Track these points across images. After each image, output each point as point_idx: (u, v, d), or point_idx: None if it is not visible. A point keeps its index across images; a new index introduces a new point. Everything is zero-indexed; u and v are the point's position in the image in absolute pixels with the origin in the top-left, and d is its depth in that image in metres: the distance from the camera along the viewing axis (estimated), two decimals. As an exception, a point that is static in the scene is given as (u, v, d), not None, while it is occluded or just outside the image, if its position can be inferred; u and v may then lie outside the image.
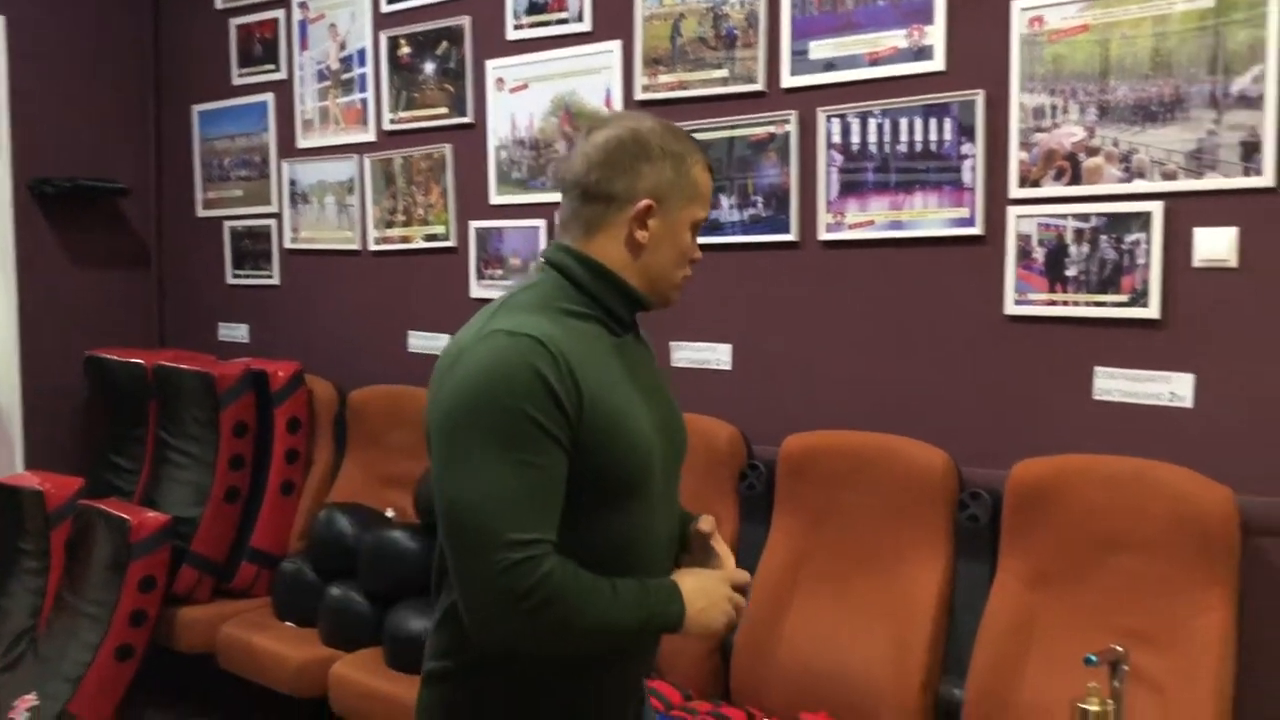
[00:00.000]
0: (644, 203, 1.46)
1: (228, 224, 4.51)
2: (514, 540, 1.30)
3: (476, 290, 3.67)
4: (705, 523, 1.61)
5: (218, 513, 3.76)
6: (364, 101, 3.95)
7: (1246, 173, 2.27)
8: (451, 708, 1.51)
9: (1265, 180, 2.25)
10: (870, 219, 2.79)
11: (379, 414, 3.81)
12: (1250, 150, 2.26)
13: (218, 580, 3.76)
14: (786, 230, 2.94)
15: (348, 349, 4.08)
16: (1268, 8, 2.24)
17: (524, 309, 1.42)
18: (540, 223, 3.47)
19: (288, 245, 4.30)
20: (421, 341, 3.86)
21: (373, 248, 3.98)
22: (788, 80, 2.90)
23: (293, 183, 4.25)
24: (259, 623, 3.53)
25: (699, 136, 2.99)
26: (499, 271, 3.60)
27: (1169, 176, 2.36)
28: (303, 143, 4.19)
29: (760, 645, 2.73)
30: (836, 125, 2.83)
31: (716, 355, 3.11)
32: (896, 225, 2.75)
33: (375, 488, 3.76)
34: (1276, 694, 2.26)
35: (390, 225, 3.92)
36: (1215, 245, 2.32)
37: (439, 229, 3.76)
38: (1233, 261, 2.30)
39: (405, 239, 3.87)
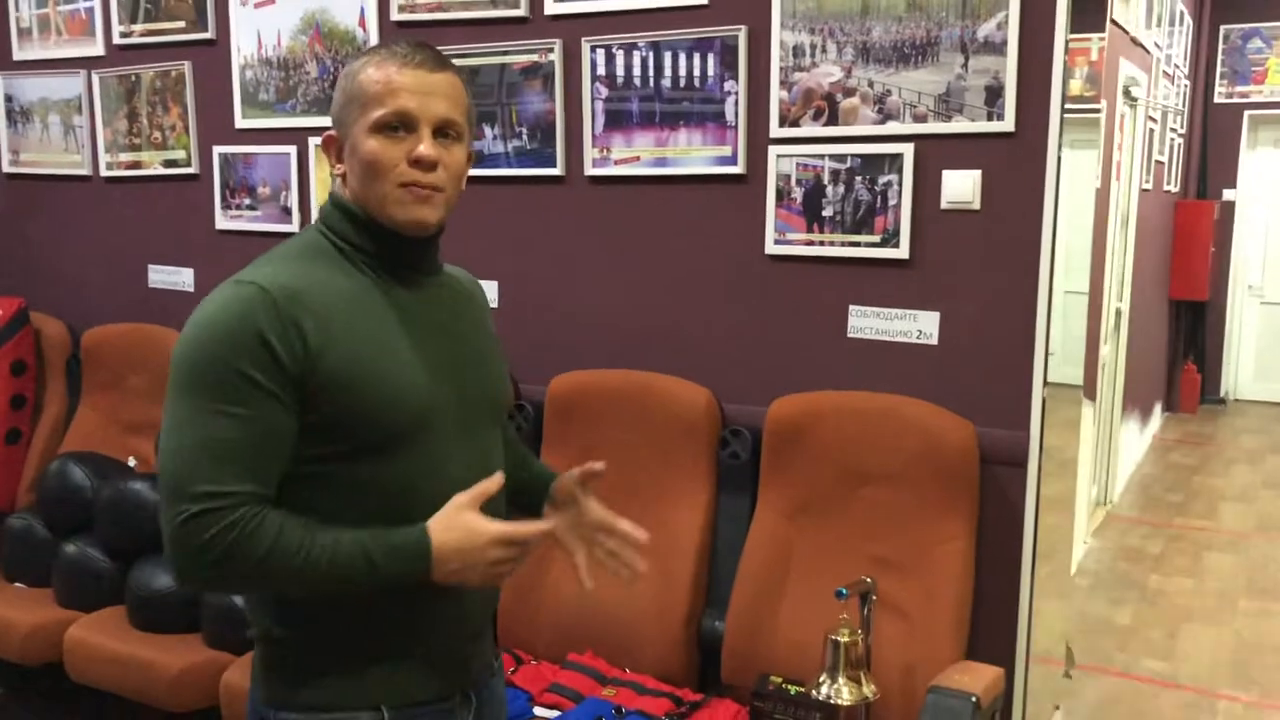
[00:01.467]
0: (328, 135, 1.45)
1: (-66, 143, 4.04)
2: (197, 493, 1.26)
3: (222, 221, 3.42)
4: (571, 476, 1.59)
5: (-69, 466, 3.41)
6: (90, 10, 3.58)
7: (990, 117, 2.34)
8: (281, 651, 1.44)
9: (1006, 125, 2.33)
10: (636, 154, 2.75)
11: (117, 355, 3.53)
12: (994, 95, 2.33)
13: (-68, 540, 3.41)
14: (553, 164, 2.85)
15: (80, 285, 3.74)
16: (1012, -44, 2.30)
17: (276, 257, 1.39)
18: (290, 149, 3.25)
19: (6, 169, 3.88)
20: (163, 276, 3.58)
21: (105, 173, 3.64)
22: (551, 7, 2.80)
23: (9, 99, 3.82)
24: (-18, 586, 3.23)
25: (461, 64, 2.88)
26: (247, 201, 3.36)
27: (920, 119, 2.41)
28: (20, 54, 3.77)
29: (525, 588, 2.70)
30: (601, 56, 2.75)
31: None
32: (662, 162, 2.71)
33: (115, 435, 3.49)
34: (1004, 606, 2.40)
35: (125, 149, 3.59)
36: (960, 187, 2.39)
37: (179, 154, 3.47)
38: (975, 203, 2.39)
39: (141, 164, 3.56)
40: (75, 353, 3.62)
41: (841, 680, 2.13)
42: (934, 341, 2.46)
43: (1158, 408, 7.69)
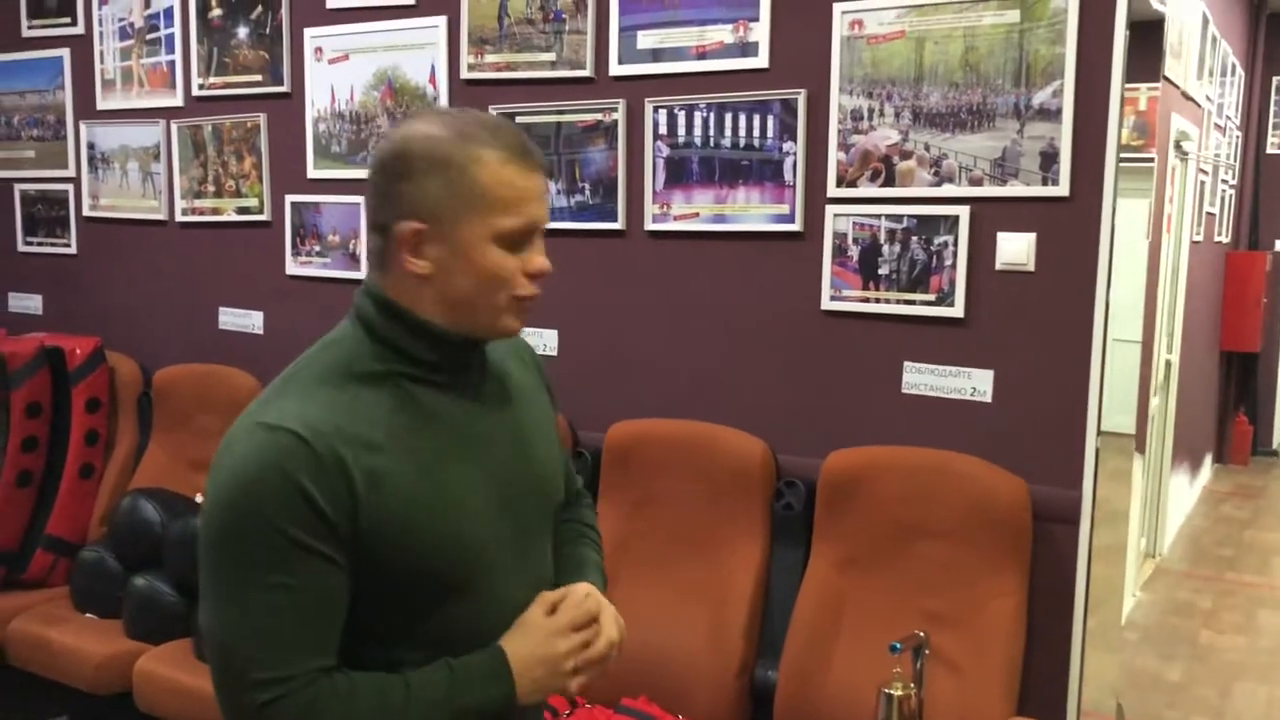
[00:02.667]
0: (407, 227, 1.21)
1: (18, 187, 4.21)
2: (260, 680, 1.13)
3: (292, 267, 3.54)
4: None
5: (9, 498, 3.53)
6: (171, 64, 3.73)
7: (1044, 182, 2.40)
8: None
9: (1060, 190, 2.39)
10: (695, 211, 2.83)
11: (187, 394, 3.65)
12: (1049, 160, 2.39)
13: (9, 570, 3.54)
14: (614, 219, 2.94)
15: (153, 325, 3.88)
16: (1066, 25, 2.37)
17: (299, 385, 1.22)
18: (360, 199, 3.37)
19: (86, 213, 4.04)
20: (233, 319, 3.70)
21: (180, 218, 3.79)
22: (616, 68, 2.90)
23: (91, 146, 3.98)
24: (56, 615, 3.33)
25: (525, 120, 2.99)
26: (316, 247, 3.48)
27: (975, 182, 2.48)
28: (103, 104, 3.93)
29: (582, 632, 2.76)
30: (664, 116, 2.84)
31: (543, 340, 3.10)
32: (720, 219, 2.79)
33: (183, 472, 3.60)
34: (1055, 662, 2.43)
35: (199, 195, 3.73)
36: (1015, 249, 2.45)
37: (252, 202, 3.60)
38: (1030, 265, 2.44)
39: (215, 210, 3.70)
40: (147, 391, 3.75)
41: (895, 734, 2.17)
42: (988, 399, 2.51)
43: (1208, 459, 7.63)
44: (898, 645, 2.16)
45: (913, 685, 2.20)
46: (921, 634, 2.26)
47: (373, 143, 3.33)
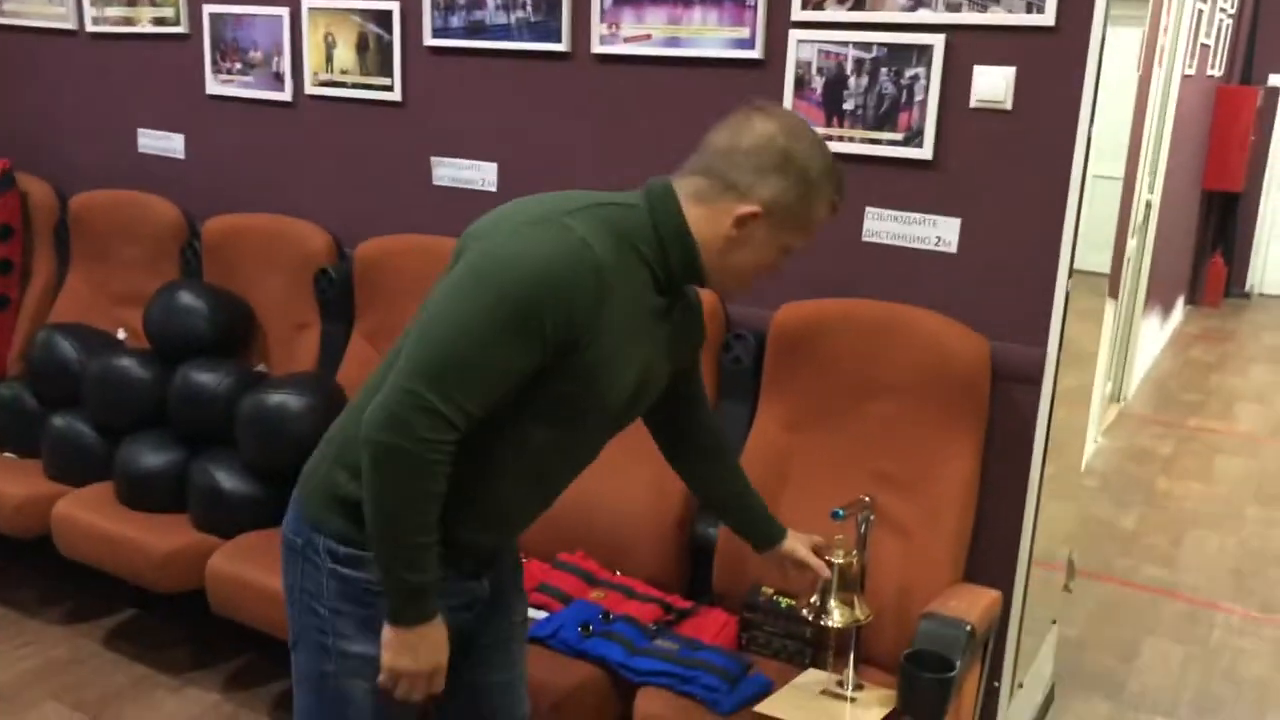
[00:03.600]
0: (752, 208, 1.47)
1: (-86, -11, 3.84)
2: (451, 395, 1.34)
3: (213, 86, 3.26)
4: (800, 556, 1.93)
5: (-82, 330, 3.34)
6: None
7: (1029, 8, 2.16)
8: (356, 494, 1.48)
9: (1046, 19, 2.14)
10: (647, 32, 2.56)
11: (107, 223, 3.41)
12: (1035, -15, 2.14)
13: (-78, 405, 3.36)
14: (558, 39, 2.67)
15: (67, 146, 3.61)
16: None
17: (607, 227, 1.42)
18: (283, 10, 3.07)
19: (-12, 20, 3.71)
20: (153, 141, 3.43)
21: (91, 28, 3.46)
22: None
23: (-9, -56, 3.62)
24: (-29, 454, 3.19)
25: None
26: (238, 65, 3.19)
27: (953, 8, 2.23)
28: (0, -104, 3.55)
29: (518, 484, 2.64)
30: (613, -77, 2.54)
31: (481, 174, 2.87)
32: (674, 42, 2.53)
33: (106, 306, 3.41)
34: (1007, 528, 2.33)
35: (109, 3, 3.39)
36: (992, 85, 2.22)
37: (168, 11, 3.29)
38: (1007, 103, 2.22)
39: (128, 20, 3.37)
40: (63, 218, 3.51)
41: (834, 602, 2.06)
42: (953, 250, 2.33)
43: (1180, 301, 7.54)
44: (840, 512, 2.04)
45: (855, 552, 2.08)
46: (867, 499, 2.13)
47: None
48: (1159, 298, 6.45)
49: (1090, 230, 3.07)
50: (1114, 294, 4.94)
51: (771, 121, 1.49)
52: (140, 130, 3.45)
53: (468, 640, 1.62)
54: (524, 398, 1.42)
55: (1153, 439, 5.22)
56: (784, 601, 2.29)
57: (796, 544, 1.94)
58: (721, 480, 1.91)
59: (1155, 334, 6.60)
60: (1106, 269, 3.55)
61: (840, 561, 2.07)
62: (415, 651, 1.47)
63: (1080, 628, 3.37)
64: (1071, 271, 2.23)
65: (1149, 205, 5.47)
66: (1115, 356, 5.58)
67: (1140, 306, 5.71)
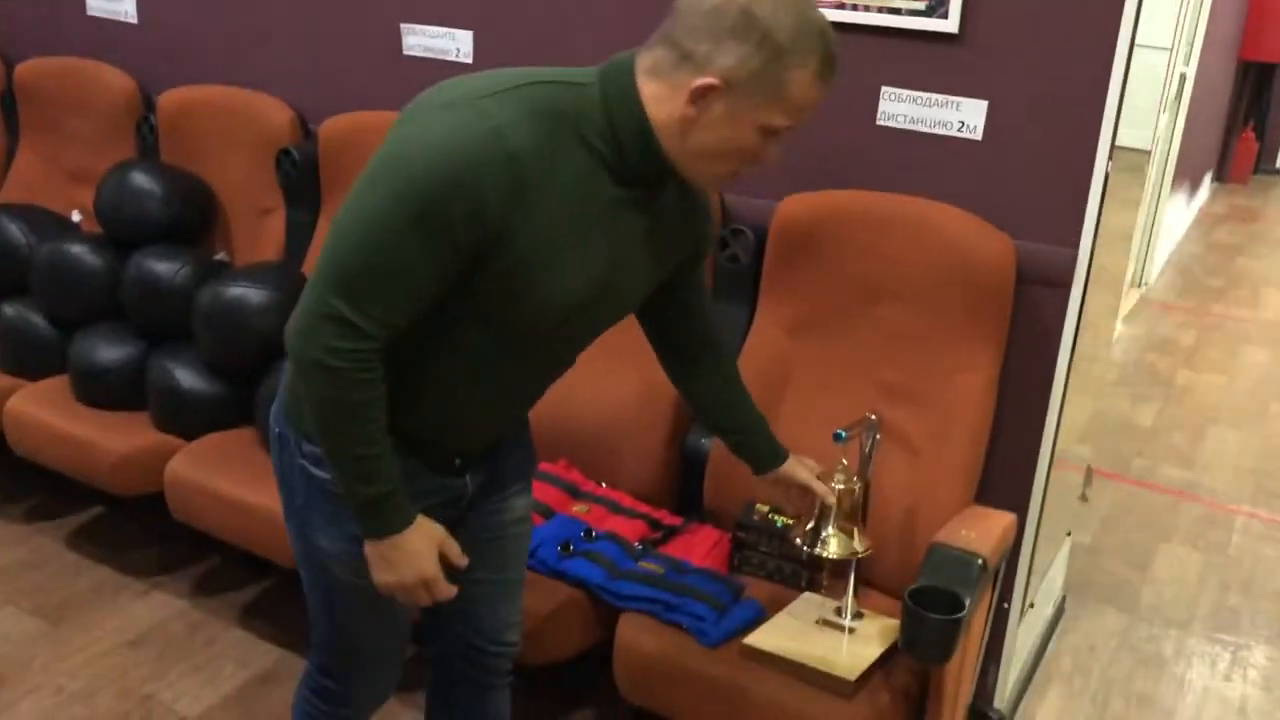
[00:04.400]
0: (707, 80, 1.25)
1: None
2: (359, 306, 1.23)
3: (165, -59, 2.95)
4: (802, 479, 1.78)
5: None
6: None
7: None
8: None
9: None
10: (637, -118, 2.25)
11: (55, 93, 3.15)
12: None
13: None
14: (537, -111, 2.37)
15: (9, 7, 3.30)
16: None
17: (536, 109, 1.25)
18: None
19: None
20: (102, 4, 3.14)
21: (30, -127, 3.14)
22: None
23: None
24: (-79, 344, 2.99)
25: None
26: (190, -82, 2.88)
27: None
28: None
29: (496, 387, 2.45)
30: None
31: (456, 43, 2.59)
32: (668, -108, 2.23)
33: (59, 183, 3.17)
34: (1025, 445, 2.14)
35: None
36: (1031, -54, 1.93)
37: None
38: (1048, -33, 1.93)
39: None
40: (10, 86, 3.24)
41: (830, 530, 1.88)
42: (978, 136, 2.07)
43: (1207, 177, 7.22)
44: (843, 434, 1.84)
45: (856, 479, 1.89)
46: (873, 417, 1.93)
47: None
48: (1186, 175, 6.14)
49: (1131, 104, 2.80)
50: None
51: None
52: (88, -11, 3.15)
53: (452, 533, 1.49)
54: (455, 299, 1.30)
55: (1175, 327, 5.00)
56: (780, 520, 2.12)
57: (798, 467, 1.79)
58: (720, 397, 1.75)
59: (1181, 214, 6.32)
60: (1147, 145, 3.25)
61: (840, 487, 1.88)
62: (393, 565, 1.39)
63: (1094, 533, 3.22)
64: (1110, 165, 1.98)
65: (1183, 78, 5.13)
66: (1139, 238, 5.33)
67: (1168, 186, 5.43)
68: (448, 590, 1.43)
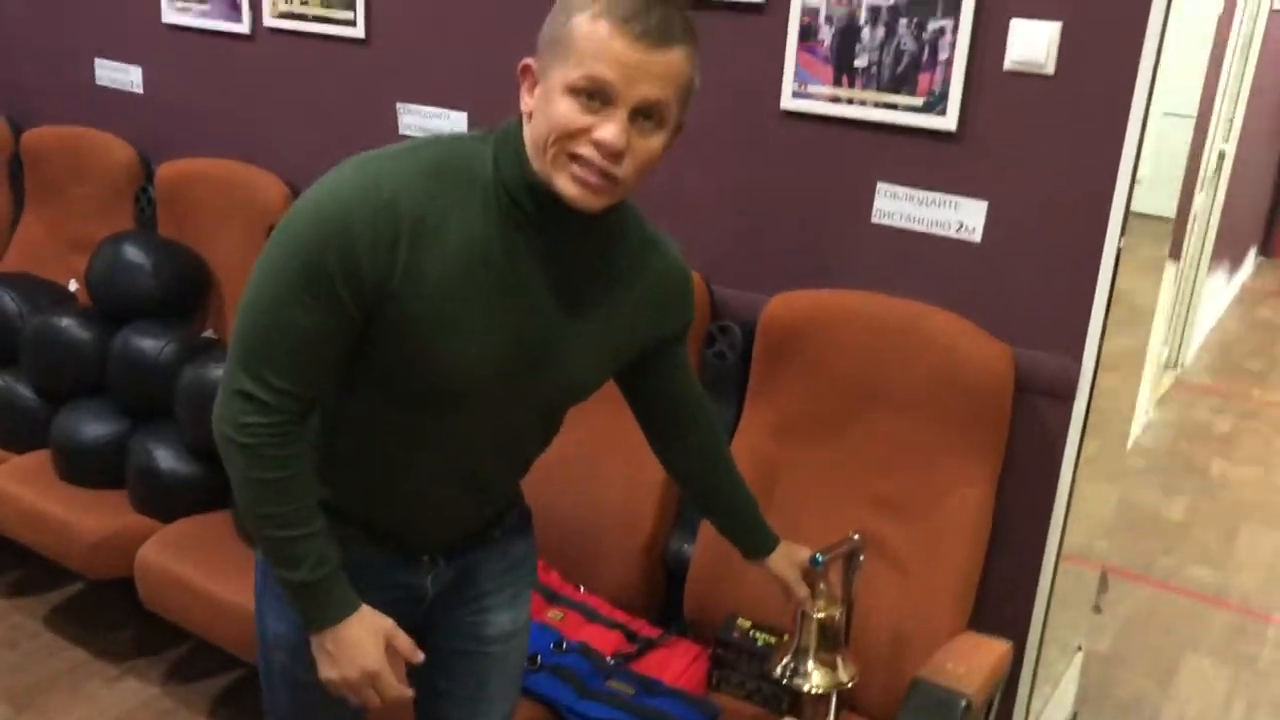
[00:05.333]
0: (524, 61, 1.22)
1: None
2: (261, 377, 1.20)
3: (169, 14, 2.94)
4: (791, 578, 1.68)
5: None
6: None
7: (1082, -48, 1.77)
8: None
9: (1102, -35, 1.75)
10: (632, -33, 2.19)
11: (59, 162, 3.14)
12: (1091, -77, 1.75)
13: None
14: (532, -28, 2.31)
15: (23, 75, 3.31)
16: None
17: (423, 162, 1.21)
18: (241, -69, 2.73)
19: (-57, -69, 3.40)
20: (110, 73, 3.13)
21: (44, -54, 3.16)
22: None
23: None
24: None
25: None
26: (194, -8, 2.87)
27: (990, -52, 1.84)
28: None
29: (477, 481, 2.36)
30: None
31: (450, 124, 2.54)
32: (662, -21, 2.16)
33: (61, 251, 3.15)
34: (1025, 566, 2.01)
35: (62, -83, 3.08)
36: (1033, 43, 1.84)
37: (121, -72, 2.96)
38: (1049, 67, 1.84)
39: (82, -62, 3.06)
40: (17, 152, 3.24)
41: (812, 663, 1.76)
42: (976, 238, 1.97)
43: (1251, 252, 7.03)
44: (820, 558, 1.72)
45: (839, 603, 1.77)
46: (856, 537, 1.82)
47: None
48: (1227, 250, 5.97)
49: (1155, 170, 2.68)
50: (1175, 254, 4.52)
51: None
52: (98, 60, 3.15)
53: (416, 641, 1.39)
54: (361, 367, 1.26)
55: (1210, 412, 4.82)
56: (761, 639, 2.00)
57: (784, 564, 1.70)
58: (706, 478, 1.66)
59: (1221, 290, 6.14)
60: (1171, 213, 3.11)
61: (820, 616, 1.76)
62: (334, 658, 1.31)
63: (1111, 640, 3.05)
64: (1115, 276, 1.87)
65: (1222, 155, 4.99)
66: (1174, 317, 5.16)
67: (1205, 264, 5.26)
68: (398, 689, 1.34)
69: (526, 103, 1.22)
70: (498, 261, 1.23)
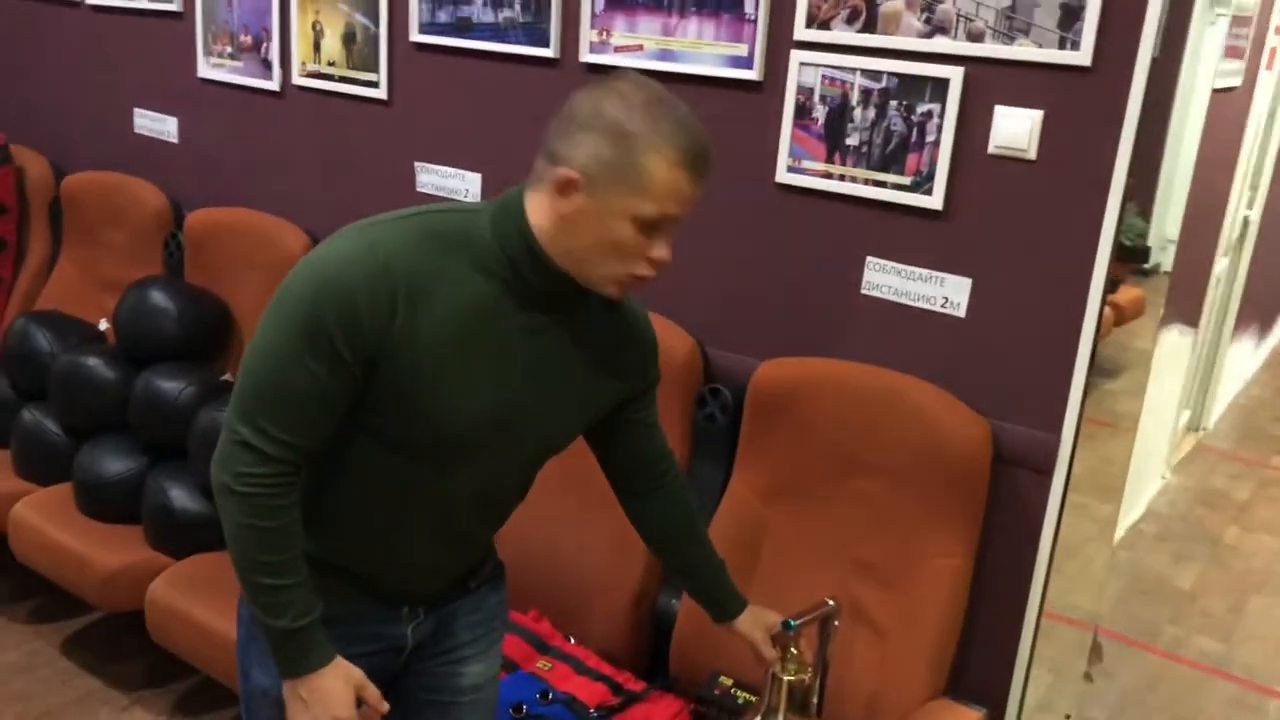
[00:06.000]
0: (564, 171, 1.27)
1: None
2: (260, 428, 1.27)
3: (204, 69, 3.07)
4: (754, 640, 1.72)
5: (-92, 307, 3.24)
6: None
7: (1062, 44, 1.83)
8: None
9: (1081, 57, 1.81)
10: (639, 43, 2.29)
11: (95, 206, 3.27)
12: (1070, 17, 1.81)
13: (-91, 383, 3.28)
14: (545, 44, 2.41)
15: (66, 122, 3.46)
16: None
17: (422, 232, 1.30)
18: (273, -7, 2.86)
19: (-5, -15, 3.58)
20: (148, 123, 3.27)
21: (91, 0, 3.30)
22: None
23: (1, -94, 3.48)
24: (-55, 441, 3.08)
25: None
26: (229, 49, 3.00)
27: (975, 37, 1.91)
28: None
29: (475, 530, 2.43)
30: (608, -83, 2.27)
31: (465, 184, 2.64)
32: (667, 54, 2.26)
33: (92, 292, 3.27)
34: (1003, 635, 2.04)
35: (110, -24, 3.23)
36: (1015, 129, 1.90)
37: (162, -14, 3.11)
38: (1031, 152, 1.90)
39: (125, -6, 3.21)
40: (57, 195, 3.38)
41: (778, 724, 1.81)
42: (960, 314, 2.03)
43: (1282, 317, 6.99)
44: (791, 623, 1.77)
45: (809, 668, 1.82)
46: (830, 602, 1.86)
47: None
48: (1255, 316, 5.94)
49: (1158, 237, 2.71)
50: (1194, 318, 4.53)
51: (599, 88, 1.30)
52: (136, 110, 3.29)
53: (389, 691, 1.47)
54: (357, 421, 1.33)
55: (1229, 479, 4.79)
56: (742, 697, 2.05)
57: (752, 627, 1.73)
58: (671, 536, 1.71)
59: (1248, 356, 6.10)
60: (1169, 266, 3.11)
61: (789, 679, 1.81)
62: (306, 705, 1.38)
63: (1110, 711, 3.05)
64: (1095, 353, 1.91)
65: (1246, 222, 5.00)
66: (1196, 382, 5.14)
67: (1229, 329, 5.25)
68: None
69: (558, 206, 1.29)
70: (488, 323, 1.32)
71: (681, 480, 1.69)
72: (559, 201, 1.29)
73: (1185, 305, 4.22)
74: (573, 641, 2.28)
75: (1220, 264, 4.70)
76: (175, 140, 3.21)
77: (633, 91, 1.28)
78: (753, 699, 2.02)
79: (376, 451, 1.36)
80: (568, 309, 1.38)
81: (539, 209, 1.30)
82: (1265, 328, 6.41)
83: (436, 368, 1.29)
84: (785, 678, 1.80)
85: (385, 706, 1.43)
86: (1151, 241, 2.90)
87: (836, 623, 1.87)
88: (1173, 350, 4.10)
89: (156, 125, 3.24)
